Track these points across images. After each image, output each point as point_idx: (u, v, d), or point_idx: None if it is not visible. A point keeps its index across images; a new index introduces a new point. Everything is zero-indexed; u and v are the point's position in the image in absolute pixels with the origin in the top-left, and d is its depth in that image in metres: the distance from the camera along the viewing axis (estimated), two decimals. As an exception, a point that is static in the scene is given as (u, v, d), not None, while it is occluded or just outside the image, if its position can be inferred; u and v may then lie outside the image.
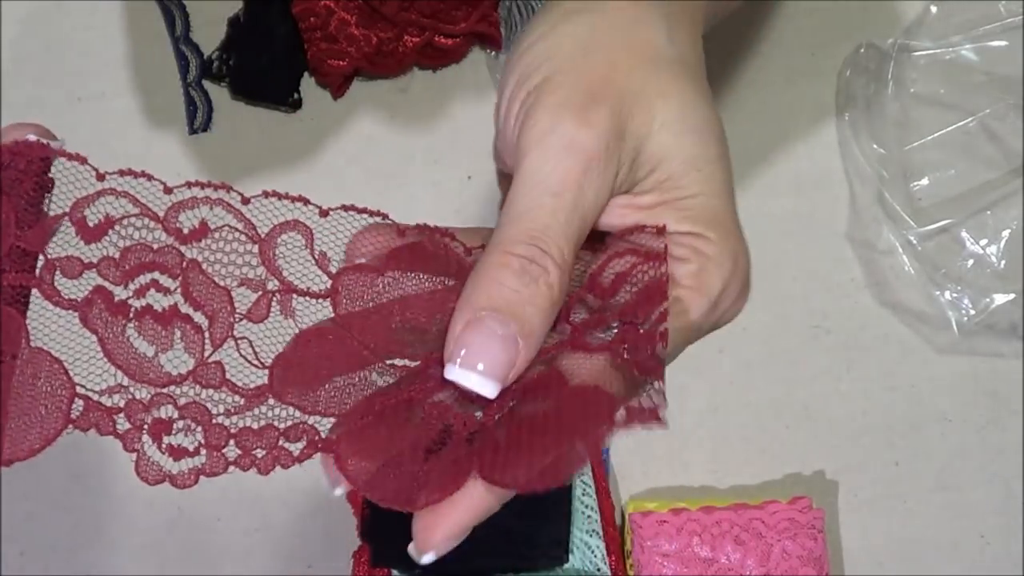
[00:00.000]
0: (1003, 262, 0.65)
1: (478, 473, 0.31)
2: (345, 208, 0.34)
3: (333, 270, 0.34)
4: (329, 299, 0.34)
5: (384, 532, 0.60)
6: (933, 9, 0.66)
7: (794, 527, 0.60)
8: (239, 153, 0.66)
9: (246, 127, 0.66)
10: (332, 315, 0.34)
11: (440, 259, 0.34)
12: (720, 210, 0.35)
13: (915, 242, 0.65)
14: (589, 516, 0.61)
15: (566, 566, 0.60)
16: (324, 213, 0.33)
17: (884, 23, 0.67)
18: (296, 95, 0.66)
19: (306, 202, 0.34)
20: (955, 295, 0.64)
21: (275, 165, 0.66)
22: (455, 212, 0.66)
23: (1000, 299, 0.64)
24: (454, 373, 0.30)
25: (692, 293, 0.34)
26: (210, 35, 0.67)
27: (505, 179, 0.38)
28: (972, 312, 0.64)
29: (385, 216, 0.34)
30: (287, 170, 0.66)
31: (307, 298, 0.34)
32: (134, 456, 0.35)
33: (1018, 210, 0.65)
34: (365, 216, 0.34)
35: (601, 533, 0.60)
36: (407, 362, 0.33)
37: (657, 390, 0.32)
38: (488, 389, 0.30)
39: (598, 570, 0.60)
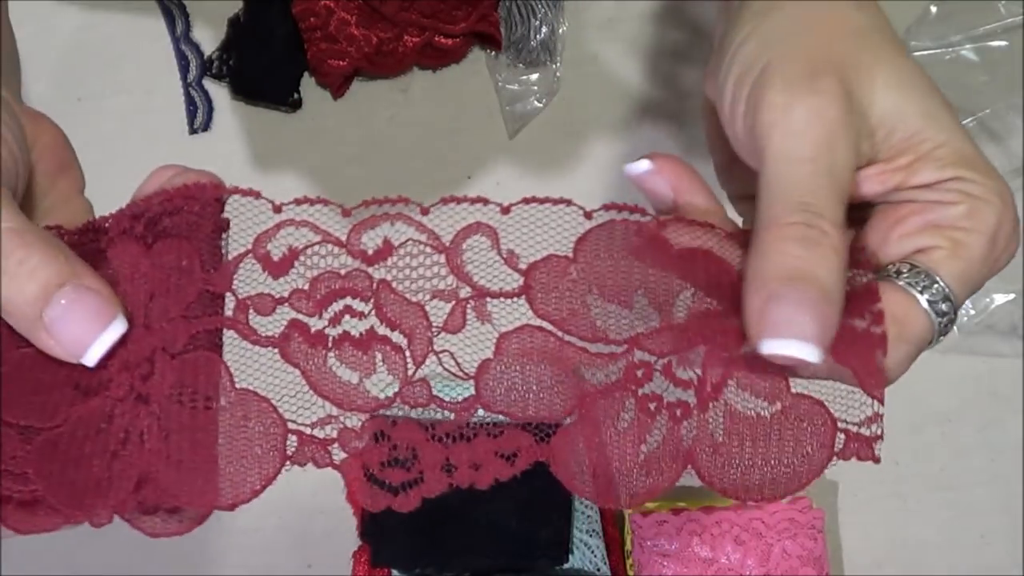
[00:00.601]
0: (1003, 262, 0.65)
1: (694, 469, 0.31)
2: (526, 201, 0.33)
3: (523, 266, 0.33)
4: (524, 296, 0.33)
5: (384, 532, 0.60)
6: (933, 9, 0.66)
7: (794, 527, 0.60)
8: (239, 153, 0.66)
9: (246, 127, 0.66)
10: (530, 313, 0.33)
11: (627, 235, 0.33)
12: (971, 152, 0.36)
13: (915, 242, 0.65)
14: (589, 516, 0.61)
15: (566, 566, 0.60)
16: (505, 210, 0.33)
17: (884, 23, 0.67)
18: (296, 95, 0.66)
19: (485, 202, 0.33)
20: (955, 295, 0.64)
21: (275, 165, 0.66)
22: (455, 211, 0.66)
23: (1000, 299, 0.64)
24: (771, 346, 0.30)
25: (968, 233, 0.34)
26: (210, 35, 0.67)
27: (742, 201, 0.39)
28: (972, 312, 0.64)
29: (569, 202, 0.33)
30: (287, 170, 0.66)
31: (502, 299, 0.33)
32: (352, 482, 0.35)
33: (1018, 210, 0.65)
34: (548, 205, 0.33)
35: (601, 533, 0.60)
36: (613, 348, 0.33)
37: (876, 414, 0.34)
38: (813, 354, 0.31)
39: (598, 570, 0.60)
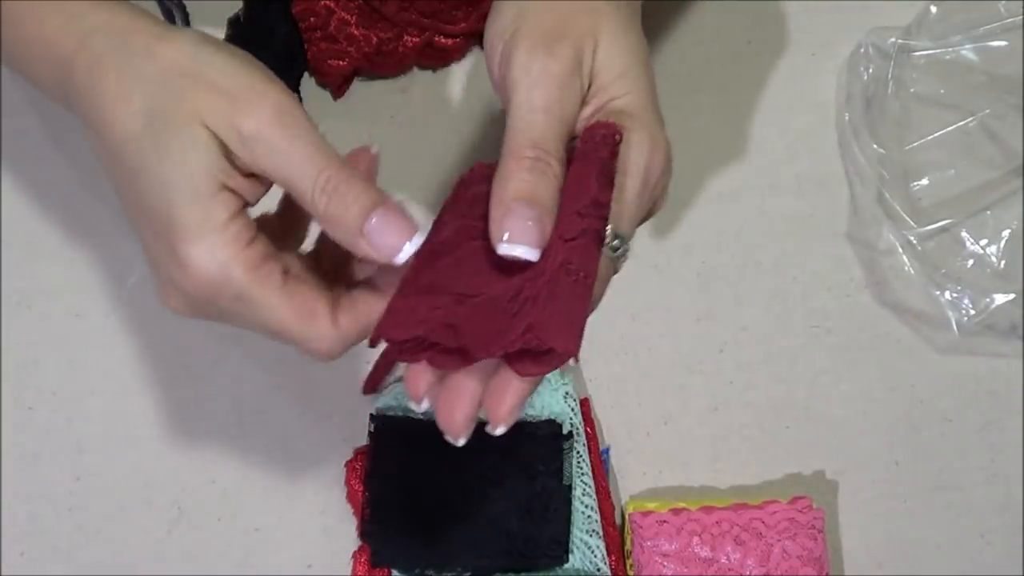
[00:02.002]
0: (1003, 262, 0.65)
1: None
2: None
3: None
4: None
5: (384, 532, 0.60)
6: (933, 9, 0.66)
7: (794, 527, 0.60)
8: (239, 153, 0.66)
9: (246, 127, 0.66)
10: None
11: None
12: (640, 105, 0.44)
13: (915, 242, 0.65)
14: (589, 516, 0.61)
15: (566, 566, 0.60)
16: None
17: (884, 23, 0.67)
18: (296, 95, 0.66)
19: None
20: (955, 295, 0.64)
21: (275, 165, 0.66)
22: (455, 212, 0.66)
23: (1000, 299, 0.64)
24: (505, 248, 0.40)
25: (621, 176, 0.43)
26: (210, 35, 0.67)
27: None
28: (972, 312, 0.64)
29: None
30: (287, 170, 0.66)
31: None
32: None
33: (1018, 210, 0.65)
34: None
35: (601, 533, 0.60)
36: None
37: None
38: (533, 255, 0.40)
39: (598, 570, 0.60)
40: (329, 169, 0.41)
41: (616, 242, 0.42)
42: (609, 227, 0.42)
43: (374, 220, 0.41)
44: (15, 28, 0.44)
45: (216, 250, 0.40)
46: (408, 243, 0.41)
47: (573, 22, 0.43)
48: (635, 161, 0.43)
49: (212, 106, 0.40)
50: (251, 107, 0.41)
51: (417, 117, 0.67)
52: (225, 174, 0.41)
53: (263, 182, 0.42)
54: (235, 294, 0.40)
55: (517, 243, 0.40)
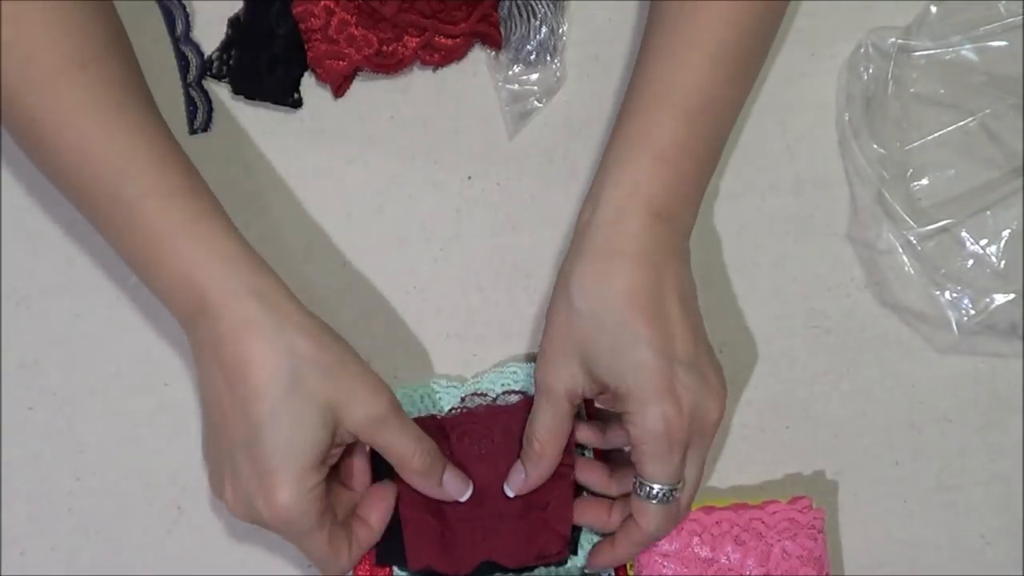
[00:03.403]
0: (1003, 262, 0.65)
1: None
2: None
3: None
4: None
5: (386, 531, 0.60)
6: (933, 9, 0.66)
7: (794, 527, 0.60)
8: (239, 153, 0.66)
9: (246, 127, 0.66)
10: None
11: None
12: (639, 386, 0.53)
13: (915, 242, 0.65)
14: (589, 516, 0.61)
15: (568, 564, 0.60)
16: None
17: (884, 23, 0.67)
18: (296, 95, 0.66)
19: None
20: (955, 295, 0.64)
21: (275, 165, 0.66)
22: (455, 212, 0.66)
23: (1000, 299, 0.64)
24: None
25: (647, 444, 0.54)
26: (210, 35, 0.67)
27: None
28: (972, 312, 0.64)
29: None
30: (287, 170, 0.66)
31: None
32: None
33: (1018, 210, 0.65)
34: None
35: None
36: None
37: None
38: (509, 493, 0.60)
39: (598, 570, 0.60)
40: (427, 441, 0.57)
41: (658, 492, 0.54)
42: (655, 485, 0.54)
43: (447, 475, 0.58)
44: (161, 246, 0.54)
45: (304, 499, 0.52)
46: (468, 488, 0.59)
47: (568, 340, 0.56)
48: (644, 432, 0.53)
49: (345, 396, 0.53)
50: (382, 397, 0.55)
51: (417, 117, 0.67)
52: (328, 448, 0.53)
53: (339, 449, 0.56)
54: (298, 532, 0.54)
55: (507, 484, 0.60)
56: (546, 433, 0.57)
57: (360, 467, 0.59)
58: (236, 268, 0.54)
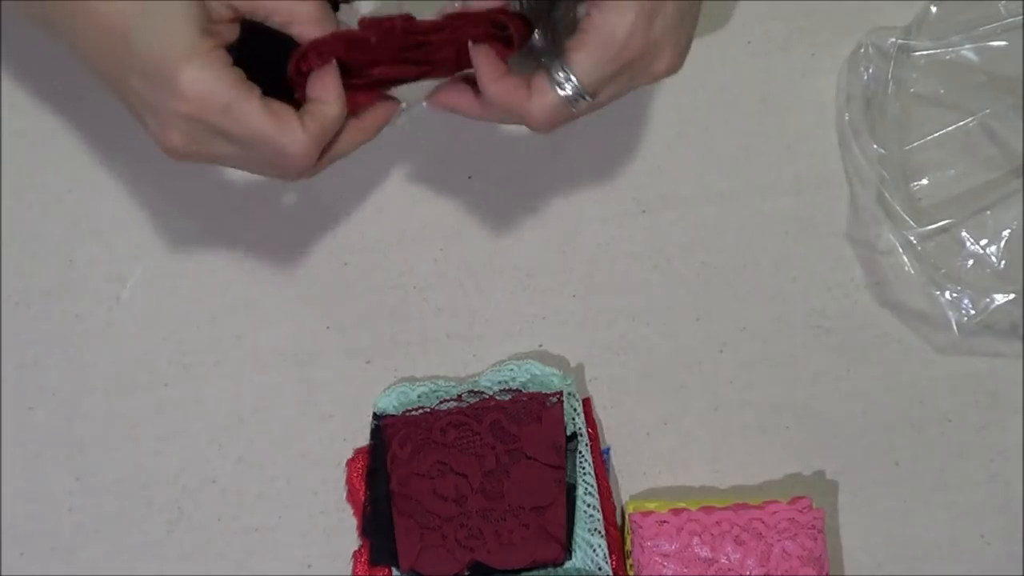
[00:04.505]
0: (1003, 262, 0.65)
1: None
2: None
3: None
4: None
5: (384, 531, 0.60)
6: (933, 9, 0.66)
7: (794, 527, 0.60)
8: (239, 153, 0.66)
9: (246, 127, 0.66)
10: None
11: None
12: None
13: (915, 242, 0.65)
14: (592, 515, 0.61)
15: (568, 565, 0.60)
16: None
17: (884, 23, 0.67)
18: (296, 95, 0.66)
19: None
20: (955, 295, 0.64)
21: (275, 165, 0.66)
22: (455, 212, 0.66)
23: (1000, 299, 0.64)
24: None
25: (595, 34, 0.49)
26: (210, 35, 0.67)
27: None
28: (972, 312, 0.64)
29: None
30: (287, 170, 0.66)
31: None
32: None
33: (1018, 210, 0.65)
34: None
35: (603, 532, 0.60)
36: None
37: None
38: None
39: (599, 569, 0.60)
40: None
41: (572, 87, 0.50)
42: (573, 79, 0.50)
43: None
44: None
45: (205, 68, 0.47)
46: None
47: None
48: (610, 25, 0.49)
49: None
50: None
51: (417, 117, 0.67)
52: (207, 17, 0.48)
53: (225, 28, 0.50)
54: (223, 105, 0.47)
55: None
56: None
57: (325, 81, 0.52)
58: None
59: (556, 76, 0.50)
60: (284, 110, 0.50)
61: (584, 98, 0.51)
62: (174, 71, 0.47)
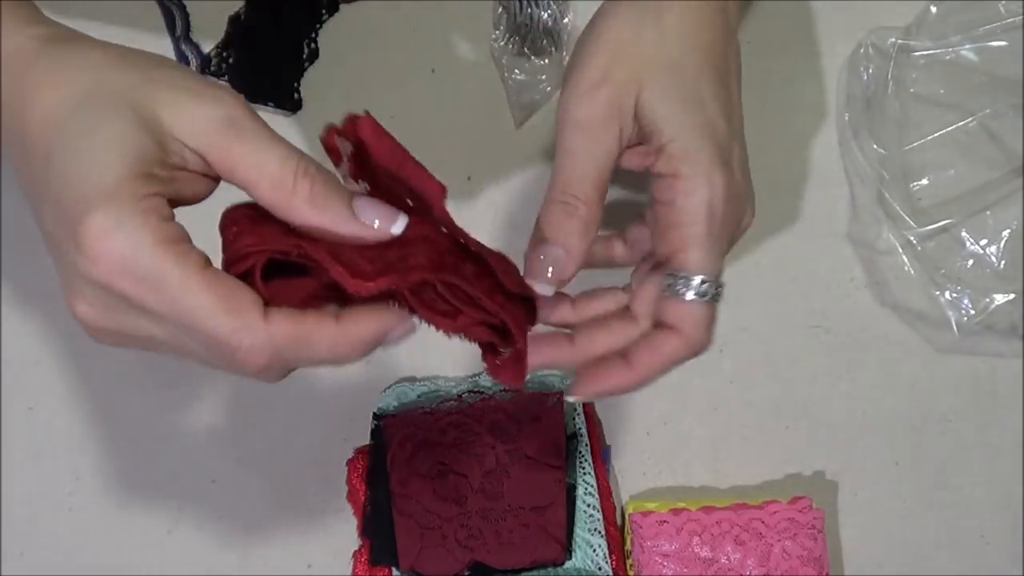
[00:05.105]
0: (1003, 262, 0.65)
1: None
2: None
3: None
4: None
5: (384, 531, 0.60)
6: (933, 9, 0.66)
7: (794, 527, 0.60)
8: (239, 153, 0.66)
9: (246, 127, 0.66)
10: None
11: None
12: (685, 148, 0.45)
13: (915, 242, 0.65)
14: (592, 515, 0.61)
15: (567, 564, 0.60)
16: None
17: (884, 23, 0.67)
18: (296, 95, 0.66)
19: None
20: (955, 295, 0.64)
21: (275, 165, 0.66)
22: (455, 212, 0.66)
23: (1000, 299, 0.64)
24: (529, 282, 0.44)
25: (690, 226, 0.44)
26: (210, 34, 0.67)
27: None
28: (972, 312, 0.64)
29: None
30: (287, 170, 0.66)
31: None
32: None
33: (1018, 210, 0.65)
34: None
35: (603, 532, 0.60)
36: None
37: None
38: (548, 290, 0.45)
39: (599, 569, 0.60)
40: (306, 157, 0.39)
41: (704, 286, 0.45)
42: (696, 277, 0.45)
43: (359, 201, 0.40)
44: None
45: (123, 220, 0.34)
46: (401, 217, 0.41)
47: (618, 65, 0.46)
48: (688, 207, 0.44)
49: (170, 98, 0.37)
50: (227, 97, 0.38)
51: (417, 117, 0.67)
52: (152, 153, 0.36)
53: (190, 180, 0.38)
54: (142, 274, 0.35)
55: (533, 279, 0.45)
56: (585, 183, 0.45)
57: None
58: (17, 26, 0.40)
59: (682, 290, 0.44)
60: (239, 289, 0.36)
61: (720, 287, 0.45)
62: (80, 215, 0.34)
